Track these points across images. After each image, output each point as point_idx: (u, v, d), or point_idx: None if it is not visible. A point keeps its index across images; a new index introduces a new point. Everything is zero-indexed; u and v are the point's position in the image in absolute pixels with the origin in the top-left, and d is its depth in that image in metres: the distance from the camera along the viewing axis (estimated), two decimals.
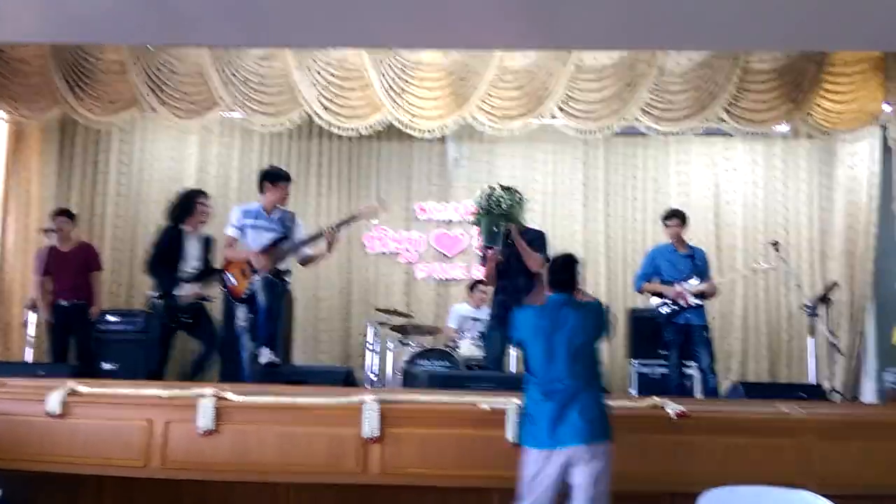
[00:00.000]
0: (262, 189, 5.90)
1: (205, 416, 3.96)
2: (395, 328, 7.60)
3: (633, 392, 7.30)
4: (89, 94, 7.38)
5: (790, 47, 6.97)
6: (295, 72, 7.30)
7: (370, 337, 7.64)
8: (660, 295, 6.44)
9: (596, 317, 3.99)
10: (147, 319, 7.59)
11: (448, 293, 8.72)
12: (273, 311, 5.52)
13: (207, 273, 6.02)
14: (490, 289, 7.50)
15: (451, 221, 8.77)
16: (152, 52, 7.34)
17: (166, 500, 4.24)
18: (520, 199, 5.65)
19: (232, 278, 5.64)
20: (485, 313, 7.51)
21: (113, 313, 7.50)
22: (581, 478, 3.54)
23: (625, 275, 8.69)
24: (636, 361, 7.45)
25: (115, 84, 7.41)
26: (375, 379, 7.44)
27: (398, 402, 4.13)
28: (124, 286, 8.48)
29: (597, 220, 8.81)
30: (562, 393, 3.63)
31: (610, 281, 8.71)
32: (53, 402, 3.99)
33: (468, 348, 7.17)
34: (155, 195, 8.64)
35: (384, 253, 8.81)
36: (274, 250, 5.64)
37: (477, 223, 5.72)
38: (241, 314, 5.63)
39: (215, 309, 6.32)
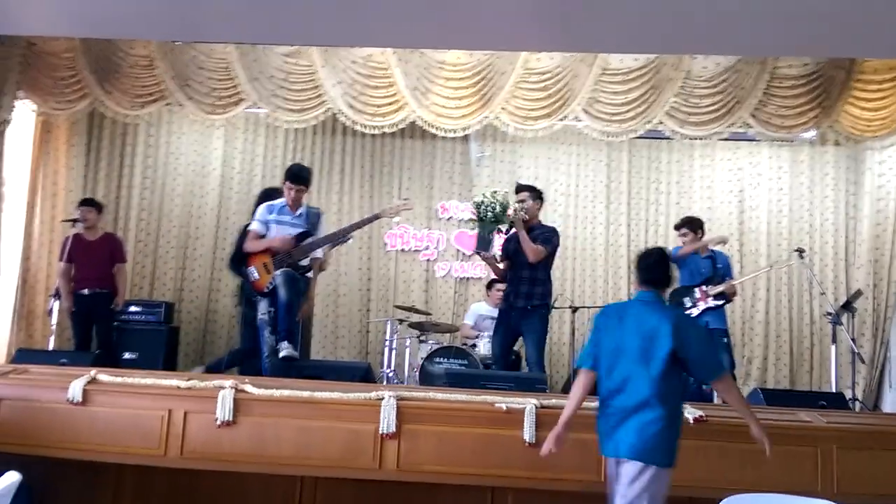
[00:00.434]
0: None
1: (223, 408, 3.99)
2: (413, 325, 7.62)
3: None
4: (118, 88, 7.47)
5: (819, 53, 6.93)
6: (321, 69, 7.34)
7: (388, 334, 7.67)
8: (678, 300, 6.38)
9: (685, 329, 3.52)
10: (167, 310, 7.71)
11: (467, 292, 8.73)
12: (293, 305, 5.54)
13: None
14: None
15: (472, 220, 8.77)
16: (180, 48, 7.42)
17: (184, 490, 4.28)
18: (504, 206, 5.89)
19: (255, 272, 5.67)
20: None
21: (135, 303, 7.61)
22: (617, 498, 3.38)
23: None
24: None
25: (143, 78, 7.49)
26: (393, 375, 7.46)
27: (415, 399, 4.14)
28: (148, 278, 8.58)
29: (619, 223, 8.79)
30: (625, 400, 3.42)
31: (631, 284, 8.67)
32: (75, 389, 4.04)
33: (485, 347, 7.17)
34: (180, 189, 8.76)
35: (404, 250, 8.83)
36: (297, 244, 5.67)
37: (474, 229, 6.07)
38: (263, 308, 5.67)
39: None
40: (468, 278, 8.67)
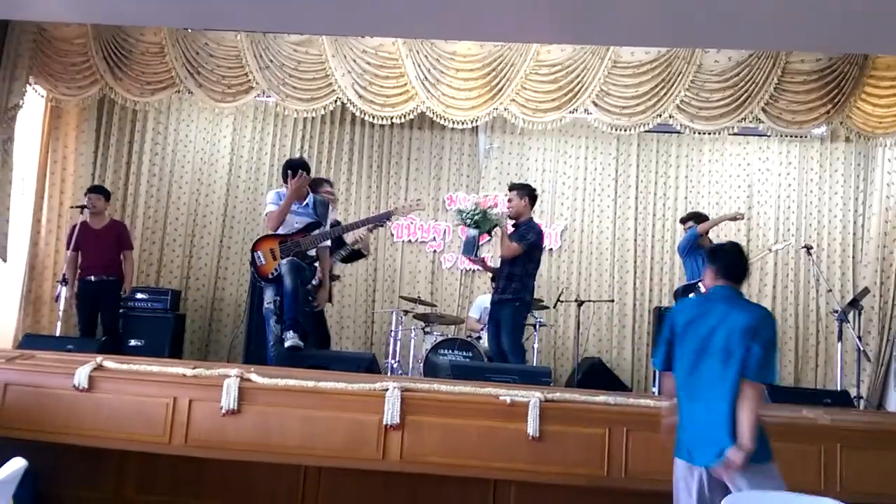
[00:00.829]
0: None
1: (228, 397, 4.00)
2: (418, 316, 7.62)
3: (655, 390, 7.27)
4: (128, 75, 7.47)
5: (832, 49, 6.88)
6: (331, 59, 7.33)
7: (393, 324, 7.68)
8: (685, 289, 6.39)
9: (763, 329, 3.29)
10: (173, 298, 7.72)
11: (473, 284, 8.74)
12: (298, 294, 5.53)
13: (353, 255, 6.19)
14: None
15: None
16: (191, 35, 7.42)
17: (188, 478, 4.30)
18: (483, 212, 6.24)
19: (262, 257, 5.66)
20: None
21: (142, 291, 7.64)
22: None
23: (653, 272, 8.66)
24: None
25: (154, 65, 7.49)
26: (397, 366, 7.48)
27: (420, 391, 4.14)
28: (154, 265, 8.60)
29: (627, 216, 8.78)
30: (713, 402, 3.25)
31: (638, 278, 8.67)
32: (81, 376, 4.06)
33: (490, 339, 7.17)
34: (188, 177, 8.78)
35: (411, 241, 8.84)
36: (302, 235, 5.66)
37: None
38: (269, 296, 5.67)
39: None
40: (474, 270, 8.66)
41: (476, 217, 6.16)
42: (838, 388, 6.64)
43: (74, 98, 7.63)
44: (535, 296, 8.09)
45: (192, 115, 8.88)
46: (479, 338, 7.34)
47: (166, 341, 7.42)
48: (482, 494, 4.28)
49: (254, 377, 4.12)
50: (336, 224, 6.11)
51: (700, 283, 6.36)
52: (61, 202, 8.24)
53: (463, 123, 7.51)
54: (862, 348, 6.91)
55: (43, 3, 6.07)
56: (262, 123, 8.95)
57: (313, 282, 5.83)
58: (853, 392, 6.63)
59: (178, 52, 7.40)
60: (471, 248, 6.28)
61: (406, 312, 7.79)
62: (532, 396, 4.04)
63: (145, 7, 5.93)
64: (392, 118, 7.52)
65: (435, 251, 8.79)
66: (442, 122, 7.50)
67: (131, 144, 8.75)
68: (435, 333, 7.49)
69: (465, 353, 6.98)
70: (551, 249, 8.73)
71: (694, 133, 7.54)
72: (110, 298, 6.80)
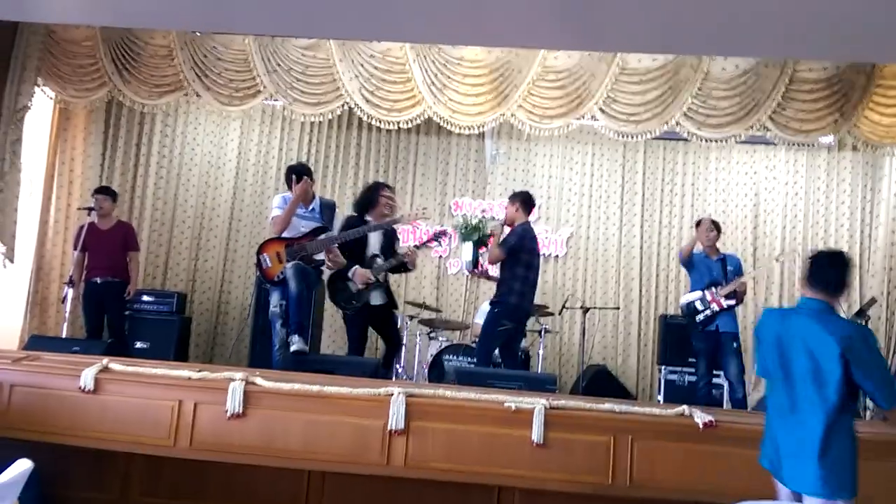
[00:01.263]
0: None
1: (233, 400, 4.00)
2: (423, 322, 7.62)
3: (660, 398, 7.26)
4: (136, 77, 7.50)
5: (840, 57, 6.86)
6: (338, 63, 7.34)
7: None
8: (693, 307, 6.36)
9: (858, 350, 3.04)
10: (179, 301, 7.73)
11: (479, 289, 8.74)
12: (304, 298, 5.53)
13: (397, 266, 6.06)
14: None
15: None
16: (199, 39, 7.44)
17: (192, 481, 4.30)
18: (474, 225, 6.47)
19: (268, 260, 5.67)
20: None
21: (148, 293, 7.66)
22: None
23: (659, 280, 8.65)
24: (665, 368, 7.39)
25: (162, 68, 7.52)
26: (402, 371, 7.47)
27: (424, 396, 4.13)
28: (161, 268, 8.63)
29: (632, 223, 8.77)
30: (798, 427, 3.10)
31: (643, 286, 8.66)
32: (87, 378, 4.06)
33: None
34: (195, 180, 8.81)
35: (416, 246, 8.82)
36: (309, 239, 5.67)
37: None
38: (275, 300, 5.67)
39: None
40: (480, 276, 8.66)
41: (468, 230, 6.35)
42: None
43: (83, 100, 7.66)
44: (540, 302, 8.11)
45: (200, 118, 8.91)
46: None
47: (172, 344, 7.44)
48: (486, 501, 4.27)
49: (259, 381, 4.12)
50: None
51: (706, 291, 6.34)
52: (69, 204, 8.27)
53: (469, 129, 7.52)
54: None
55: (52, 5, 6.09)
56: (269, 127, 8.97)
57: (359, 285, 5.81)
58: (860, 403, 6.60)
59: (186, 56, 7.43)
60: (469, 262, 6.52)
61: (412, 317, 7.80)
62: (537, 403, 4.03)
63: (154, 10, 5.95)
64: (399, 123, 7.52)
65: (441, 256, 8.80)
66: (448, 127, 7.51)
67: (139, 147, 8.79)
68: (440, 339, 7.49)
69: (470, 359, 6.98)
70: (557, 256, 8.73)
71: (701, 141, 7.53)
72: (116, 300, 6.81)
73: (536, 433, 3.95)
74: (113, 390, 4.10)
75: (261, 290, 6.67)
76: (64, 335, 6.82)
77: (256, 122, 8.94)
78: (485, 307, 7.85)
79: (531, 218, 8.55)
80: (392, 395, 4.03)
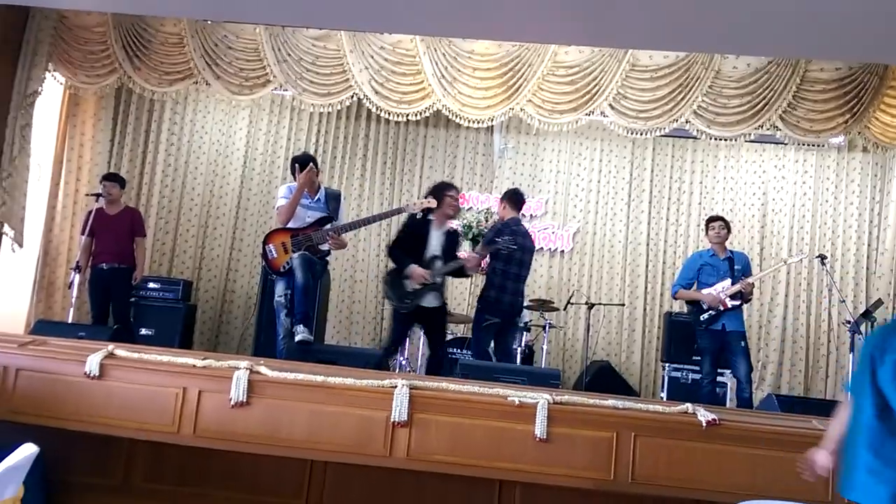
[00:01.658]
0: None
1: (238, 389, 4.01)
2: None
3: (663, 395, 7.26)
4: (146, 65, 7.50)
5: (853, 57, 6.83)
6: (349, 54, 7.34)
7: None
8: (696, 302, 6.36)
9: None
10: (185, 288, 7.75)
11: (483, 284, 8.71)
12: (309, 288, 5.55)
13: (456, 270, 5.94)
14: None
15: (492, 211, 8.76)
16: (210, 27, 7.44)
17: (196, 468, 4.31)
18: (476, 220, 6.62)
19: (273, 250, 5.68)
20: None
21: (154, 280, 7.68)
22: None
23: (665, 277, 8.64)
24: (668, 365, 7.39)
25: (173, 56, 7.52)
26: (406, 364, 7.48)
27: (428, 389, 4.14)
28: (167, 255, 8.65)
29: (640, 220, 8.76)
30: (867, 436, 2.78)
31: (649, 283, 8.65)
32: (93, 363, 4.07)
33: None
34: (203, 168, 8.82)
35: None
36: (314, 229, 5.67)
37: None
38: (280, 289, 5.69)
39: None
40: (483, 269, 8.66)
41: (465, 227, 6.49)
42: None
43: (93, 86, 7.67)
44: (545, 297, 8.12)
45: (209, 106, 8.92)
46: None
47: (177, 331, 7.46)
48: (487, 494, 4.28)
49: (263, 370, 4.12)
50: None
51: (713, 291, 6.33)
52: (77, 189, 8.29)
53: (478, 122, 7.51)
54: None
55: None
56: (278, 117, 8.97)
57: (415, 284, 5.67)
58: None
59: (196, 44, 7.43)
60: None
61: None
62: (540, 398, 4.03)
63: None
64: (408, 115, 7.52)
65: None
66: (457, 120, 7.50)
67: (148, 134, 8.80)
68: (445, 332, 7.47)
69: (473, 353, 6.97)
70: (563, 251, 8.73)
71: (710, 139, 7.52)
72: (122, 287, 6.82)
73: (539, 428, 3.95)
74: (118, 376, 4.11)
75: (266, 279, 6.68)
76: (70, 320, 6.84)
77: (265, 112, 8.94)
78: None
79: (537, 213, 8.60)
80: (396, 387, 4.03)
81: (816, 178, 8.59)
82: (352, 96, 7.51)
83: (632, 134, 7.50)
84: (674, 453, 3.95)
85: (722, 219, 6.55)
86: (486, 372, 5.02)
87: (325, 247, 5.72)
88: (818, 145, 8.02)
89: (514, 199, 6.44)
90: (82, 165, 8.36)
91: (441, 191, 5.93)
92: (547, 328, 7.55)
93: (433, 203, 5.78)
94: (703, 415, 4.03)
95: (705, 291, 6.31)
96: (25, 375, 4.13)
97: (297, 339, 5.34)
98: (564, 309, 7.96)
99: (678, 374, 7.30)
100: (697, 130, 7.33)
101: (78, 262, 6.79)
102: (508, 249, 5.96)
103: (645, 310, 8.61)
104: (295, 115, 8.92)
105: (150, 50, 7.49)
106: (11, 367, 4.11)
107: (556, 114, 7.34)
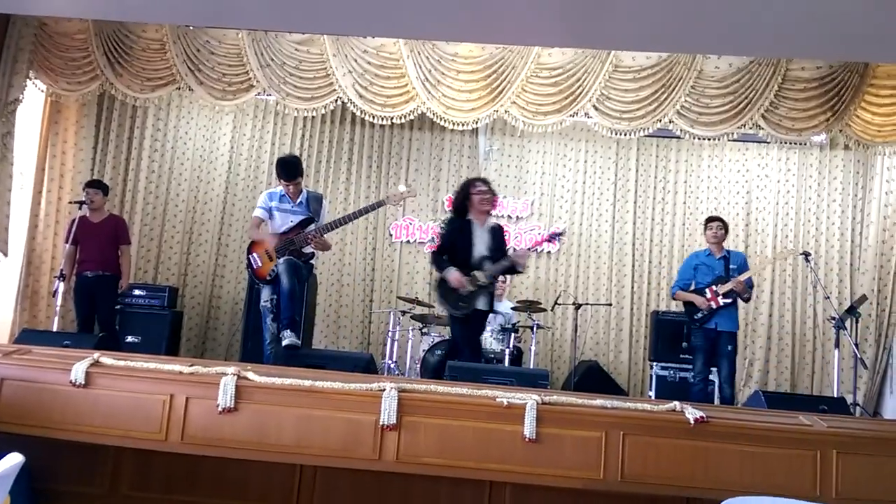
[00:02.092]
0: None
1: (225, 395, 3.99)
2: (416, 317, 7.62)
3: (651, 394, 7.29)
4: (128, 71, 7.48)
5: (833, 56, 6.89)
6: (332, 58, 7.34)
7: (391, 325, 7.68)
8: (691, 304, 6.36)
9: None
10: (171, 295, 7.71)
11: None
12: (296, 293, 5.53)
13: (508, 268, 5.69)
14: (510, 282, 7.67)
15: None
16: (192, 33, 7.42)
17: (183, 476, 4.28)
18: None
19: (258, 259, 5.67)
20: (505, 306, 7.54)
21: (139, 287, 7.64)
22: None
23: (651, 276, 8.67)
24: (656, 364, 7.41)
25: (155, 62, 7.50)
26: (394, 367, 7.47)
27: (416, 392, 4.13)
28: (153, 262, 8.60)
29: (625, 220, 8.79)
30: None
31: (635, 282, 8.68)
32: (78, 372, 4.04)
33: (487, 341, 7.17)
34: (187, 174, 8.78)
35: (409, 242, 8.84)
36: (297, 232, 5.64)
37: None
38: (265, 295, 5.67)
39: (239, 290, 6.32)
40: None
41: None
42: (835, 395, 6.64)
43: (74, 93, 7.63)
44: (533, 298, 8.14)
45: (192, 112, 8.88)
46: None
47: (163, 338, 7.42)
48: (477, 496, 4.27)
49: (251, 375, 4.10)
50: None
51: (707, 289, 6.32)
52: (60, 197, 8.24)
53: (463, 125, 7.52)
54: (859, 355, 6.90)
55: None
56: (262, 122, 8.95)
57: (459, 288, 5.47)
58: (849, 399, 6.63)
59: (179, 49, 7.41)
60: None
61: (404, 313, 7.80)
62: (529, 399, 4.02)
63: (147, 3, 5.93)
64: (392, 118, 7.53)
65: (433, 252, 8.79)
66: (442, 123, 7.52)
67: (131, 140, 8.75)
68: (432, 334, 7.49)
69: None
70: (549, 252, 8.75)
71: (693, 138, 7.56)
72: (107, 294, 6.78)
73: (529, 429, 3.95)
74: (104, 384, 4.08)
75: (253, 285, 6.66)
76: (55, 329, 6.79)
77: (249, 117, 8.92)
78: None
79: (523, 214, 8.61)
80: (384, 390, 4.02)
81: (799, 176, 8.66)
82: (336, 100, 7.51)
83: (616, 134, 7.53)
84: (662, 451, 3.96)
85: (720, 219, 6.58)
86: (474, 373, 5.02)
87: (308, 249, 5.69)
88: (800, 144, 8.07)
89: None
90: (65, 173, 8.31)
91: (466, 189, 5.69)
92: (535, 329, 7.56)
93: (414, 193, 5.68)
94: (691, 412, 4.04)
95: (699, 299, 6.31)
96: (10, 385, 4.08)
97: (284, 343, 5.32)
98: (552, 310, 7.98)
99: (666, 373, 7.33)
100: (681, 130, 7.37)
101: (62, 270, 6.73)
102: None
103: (632, 309, 8.64)
104: (279, 120, 8.90)
105: (132, 56, 7.46)
106: None
107: (540, 115, 7.37)
